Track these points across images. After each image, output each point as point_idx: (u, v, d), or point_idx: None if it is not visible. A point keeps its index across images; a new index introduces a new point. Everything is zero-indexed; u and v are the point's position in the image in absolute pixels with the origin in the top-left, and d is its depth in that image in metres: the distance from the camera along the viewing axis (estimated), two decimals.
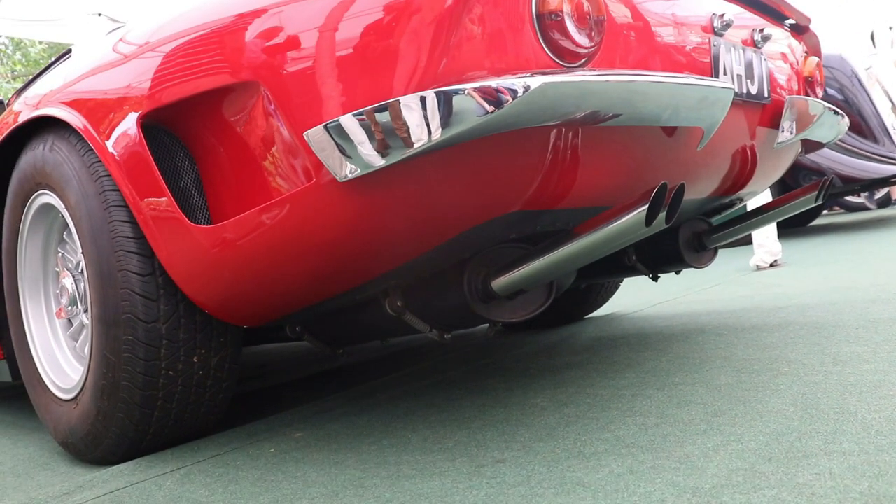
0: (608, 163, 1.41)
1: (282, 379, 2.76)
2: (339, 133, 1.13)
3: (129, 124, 1.46)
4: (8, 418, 2.56)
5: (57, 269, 1.89)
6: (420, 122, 1.07)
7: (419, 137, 1.09)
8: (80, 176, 1.58)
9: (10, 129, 1.87)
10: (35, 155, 1.75)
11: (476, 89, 1.06)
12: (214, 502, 1.25)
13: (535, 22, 1.17)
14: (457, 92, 1.07)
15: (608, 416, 1.42)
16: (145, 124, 1.44)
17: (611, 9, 1.31)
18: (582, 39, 1.22)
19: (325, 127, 1.13)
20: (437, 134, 1.08)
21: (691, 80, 1.35)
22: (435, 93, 1.06)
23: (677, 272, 2.23)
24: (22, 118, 1.83)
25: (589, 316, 2.99)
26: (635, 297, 3.39)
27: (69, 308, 1.81)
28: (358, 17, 1.17)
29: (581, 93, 1.11)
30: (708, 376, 1.63)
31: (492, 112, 1.06)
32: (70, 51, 2.46)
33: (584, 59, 1.25)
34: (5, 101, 2.93)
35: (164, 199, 1.41)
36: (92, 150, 1.56)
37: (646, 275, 2.15)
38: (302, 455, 1.45)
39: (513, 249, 1.44)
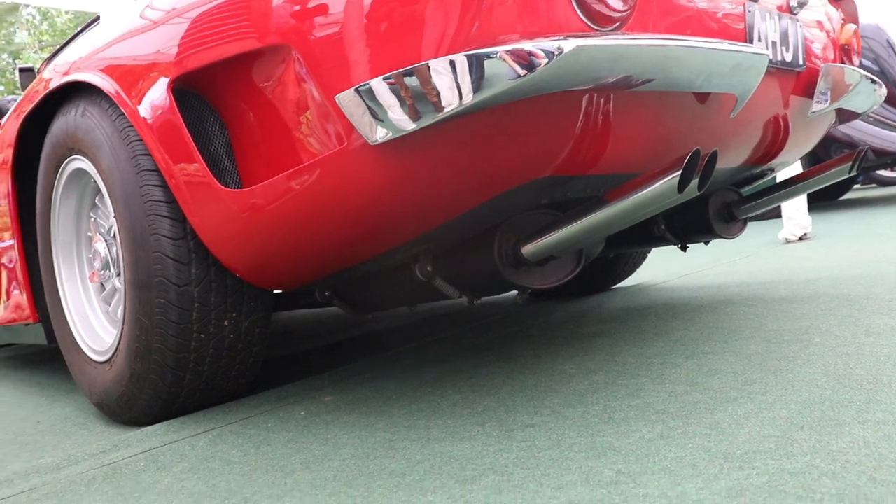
0: (640, 129, 1.39)
1: (310, 345, 2.78)
2: (370, 96, 1.12)
3: (160, 89, 1.46)
4: (44, 380, 2.61)
5: (89, 234, 1.91)
6: (451, 86, 1.06)
7: (450, 101, 1.09)
8: (112, 140, 1.59)
9: (42, 96, 1.88)
10: (67, 120, 1.76)
11: (508, 52, 1.05)
12: (247, 462, 1.27)
13: None
14: (488, 55, 1.06)
15: (637, 383, 1.42)
16: (176, 89, 1.45)
17: None
18: (616, 3, 1.21)
19: (357, 90, 1.13)
20: (467, 98, 1.08)
21: (725, 45, 1.33)
22: (466, 56, 1.05)
23: (706, 242, 2.21)
24: (53, 85, 1.84)
25: (615, 286, 2.98)
26: (662, 269, 3.38)
27: (102, 272, 1.83)
28: None
29: (614, 57, 1.10)
30: (737, 346, 1.63)
31: (524, 75, 1.05)
32: (98, 18, 2.46)
33: (617, 24, 1.24)
34: (36, 69, 2.96)
35: (195, 163, 1.41)
36: (123, 114, 1.57)
37: (674, 245, 2.13)
38: (332, 418, 1.46)
39: (543, 216, 1.43)
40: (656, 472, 0.97)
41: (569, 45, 1.03)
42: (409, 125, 1.11)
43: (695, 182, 1.22)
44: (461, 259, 1.46)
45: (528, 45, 1.03)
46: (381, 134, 1.13)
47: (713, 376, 1.40)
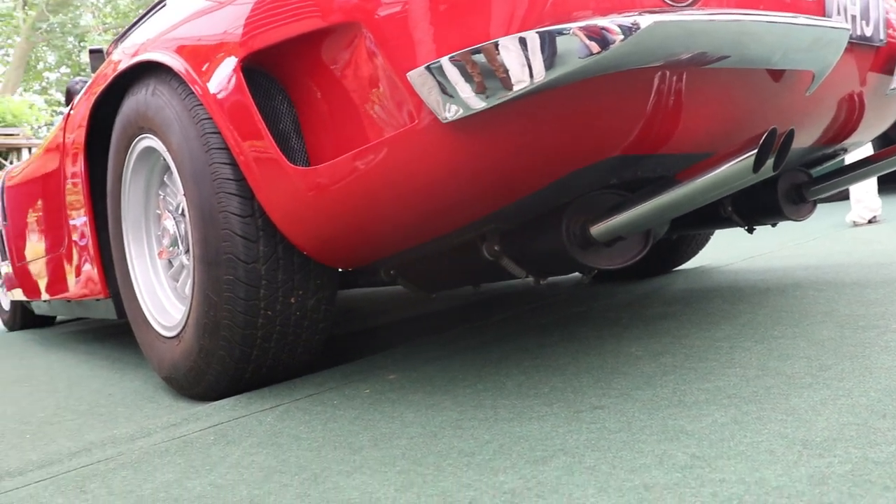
0: (712, 107, 1.36)
1: (372, 323, 2.80)
2: (440, 74, 1.11)
3: (229, 68, 1.47)
4: (113, 353, 2.68)
5: (158, 211, 1.95)
6: (521, 64, 1.05)
7: (520, 80, 1.07)
8: (182, 119, 1.61)
9: (112, 77, 1.92)
10: (137, 100, 1.79)
11: (582, 28, 1.03)
12: (314, 439, 1.28)
13: None
14: (560, 32, 1.05)
15: (706, 366, 1.39)
16: (245, 68, 1.45)
17: None
18: None
19: (428, 68, 1.12)
20: (539, 76, 1.06)
21: (804, 20, 1.28)
22: (538, 32, 1.03)
23: (773, 224, 2.16)
24: (123, 66, 1.87)
25: (678, 268, 2.94)
26: (725, 251, 3.31)
27: (170, 249, 1.86)
28: None
29: (690, 33, 1.07)
30: (809, 331, 1.59)
31: (598, 53, 1.03)
32: (164, 1, 2.50)
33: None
34: (105, 51, 3.01)
35: (263, 141, 1.42)
36: (193, 93, 1.59)
37: (741, 226, 2.09)
38: (398, 396, 1.47)
39: (612, 195, 1.41)
40: (732, 457, 0.95)
41: (645, 20, 1.00)
42: (479, 103, 1.10)
43: (770, 162, 1.18)
44: (528, 238, 1.45)
45: (603, 21, 1.01)
46: (451, 112, 1.12)
47: (785, 361, 1.37)
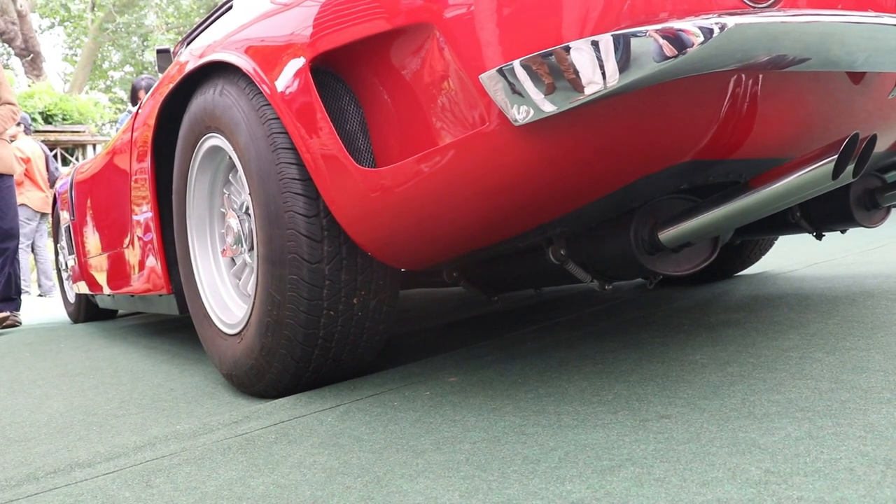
0: (788, 111, 1.32)
1: (429, 324, 2.80)
2: (513, 76, 1.10)
3: (298, 69, 1.48)
4: (174, 348, 2.73)
5: (222, 209, 1.97)
6: (594, 68, 1.03)
7: (593, 83, 1.05)
8: (249, 119, 1.62)
9: (180, 77, 1.95)
10: (205, 99, 1.81)
11: (659, 31, 1.00)
12: (376, 441, 1.28)
13: None
14: (636, 34, 1.02)
15: (775, 377, 1.36)
16: (313, 68, 1.46)
17: None
18: None
19: (500, 70, 1.11)
20: (612, 81, 1.04)
21: (890, 19, 1.24)
22: (612, 35, 1.01)
23: (843, 231, 2.10)
24: (190, 66, 1.90)
25: (739, 273, 2.88)
26: (787, 257, 3.24)
27: (234, 247, 1.88)
28: None
29: (772, 35, 1.04)
30: (884, 343, 1.53)
31: (675, 56, 1.00)
32: (230, 3, 2.53)
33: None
34: (171, 51, 3.07)
35: (330, 141, 1.42)
36: (260, 93, 1.60)
37: (809, 232, 2.03)
38: (459, 399, 1.46)
39: (681, 201, 1.38)
40: (809, 474, 0.92)
41: (728, 21, 0.97)
42: (551, 107, 1.08)
43: (850, 168, 1.14)
44: (595, 243, 1.43)
45: (681, 24, 0.98)
46: (523, 114, 1.11)
47: (860, 374, 1.32)
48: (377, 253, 1.52)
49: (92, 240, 3.34)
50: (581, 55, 1.03)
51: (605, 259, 1.44)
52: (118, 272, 2.93)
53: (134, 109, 6.53)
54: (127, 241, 2.66)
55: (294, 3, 1.59)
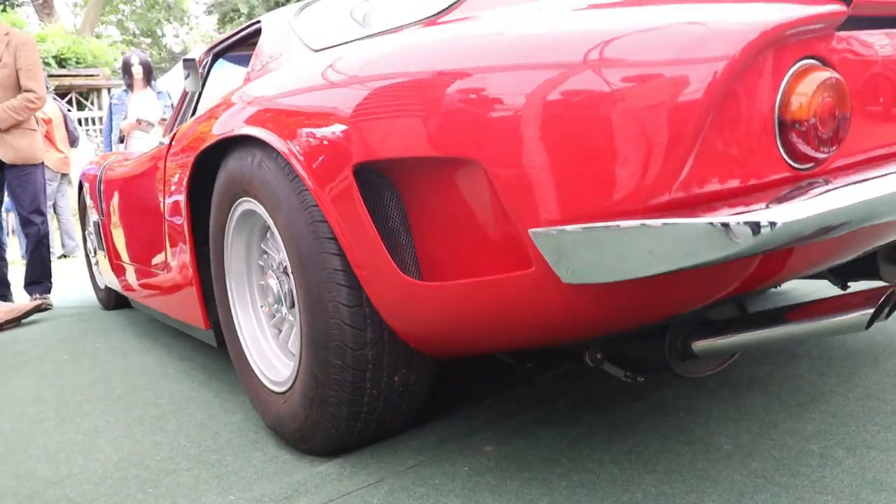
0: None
1: (458, 373, 2.85)
2: (564, 240, 1.14)
3: (341, 169, 1.49)
4: (208, 362, 2.80)
5: (260, 263, 2.03)
6: (641, 252, 1.06)
7: (642, 267, 1.08)
8: (290, 201, 1.65)
9: (214, 142, 1.97)
10: (243, 165, 1.83)
11: (710, 224, 1.01)
12: None
13: (777, 130, 1.13)
14: (688, 225, 1.03)
15: (797, 485, 1.43)
16: (358, 168, 1.47)
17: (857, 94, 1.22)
18: (824, 145, 1.16)
19: (552, 232, 1.15)
20: (657, 267, 1.07)
21: None
22: (664, 223, 1.04)
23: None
24: (225, 132, 1.91)
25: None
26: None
27: (274, 306, 1.95)
28: (585, 109, 1.14)
29: (822, 223, 1.05)
30: None
31: (727, 249, 1.01)
32: (258, 24, 2.53)
33: (820, 162, 1.19)
34: (196, 60, 3.07)
35: (373, 243, 1.46)
36: (300, 178, 1.62)
37: (834, 284, 2.07)
38: (496, 482, 1.55)
39: (717, 310, 1.43)
40: None
41: (774, 217, 0.98)
42: (599, 277, 1.13)
43: (883, 316, 1.19)
44: (630, 346, 1.49)
45: (732, 219, 1.00)
46: (570, 277, 1.15)
47: (879, 492, 1.39)
48: (415, 344, 1.59)
49: (123, 246, 3.41)
50: (629, 236, 1.06)
51: (637, 361, 1.50)
52: (152, 288, 3.00)
53: (122, 91, 6.45)
54: (160, 261, 2.71)
55: (339, 82, 1.61)
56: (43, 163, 4.49)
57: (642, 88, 1.10)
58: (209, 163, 2.09)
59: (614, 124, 1.11)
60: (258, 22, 2.63)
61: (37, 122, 4.50)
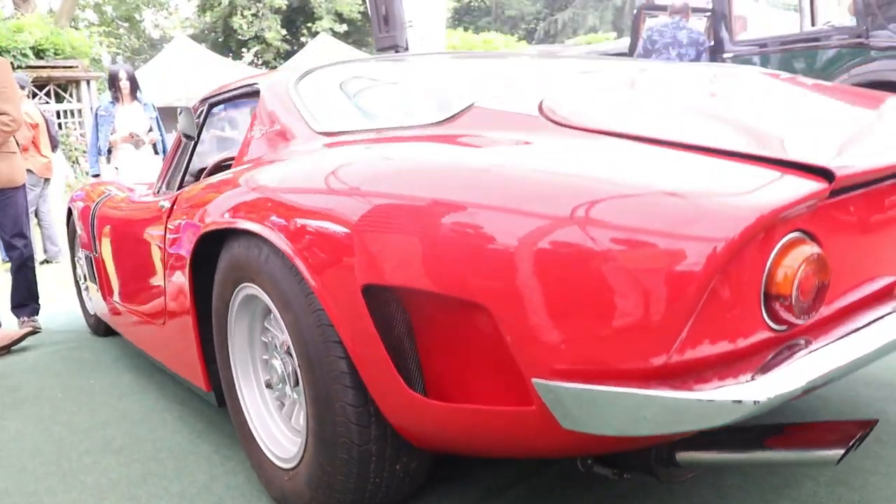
0: None
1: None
2: (565, 396, 1.24)
3: (350, 285, 1.56)
4: (206, 409, 2.87)
5: (264, 339, 2.10)
6: (638, 418, 1.17)
7: (638, 429, 1.20)
8: (297, 301, 1.72)
9: (217, 228, 2.04)
10: (249, 256, 1.89)
11: (701, 399, 1.13)
12: None
13: (763, 300, 1.24)
14: (680, 399, 1.15)
15: None
16: (366, 287, 1.54)
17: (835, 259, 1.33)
18: (804, 313, 1.27)
19: (553, 386, 1.25)
20: (653, 430, 1.19)
21: None
22: (658, 395, 1.15)
23: None
24: (237, 214, 1.95)
25: None
26: None
27: (279, 385, 2.03)
28: (589, 266, 1.22)
29: (804, 388, 1.16)
30: None
31: (716, 421, 1.14)
32: (255, 84, 2.58)
33: (803, 324, 1.30)
34: (191, 109, 3.11)
35: (380, 357, 1.54)
36: (306, 282, 1.68)
37: None
38: None
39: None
40: None
41: (758, 394, 1.10)
42: (593, 430, 1.23)
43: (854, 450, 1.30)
44: (618, 454, 1.60)
45: (719, 396, 1.11)
46: (570, 425, 1.26)
47: None
48: (416, 443, 1.68)
49: (118, 289, 3.45)
50: (629, 402, 1.17)
51: (624, 463, 1.60)
52: (150, 338, 3.05)
53: (109, 103, 6.43)
54: (159, 312, 2.76)
55: (344, 191, 1.66)
56: (24, 185, 4.45)
57: (635, 253, 1.20)
58: (213, 235, 2.14)
59: (611, 285, 1.21)
60: (255, 84, 2.68)
61: (17, 143, 4.45)
